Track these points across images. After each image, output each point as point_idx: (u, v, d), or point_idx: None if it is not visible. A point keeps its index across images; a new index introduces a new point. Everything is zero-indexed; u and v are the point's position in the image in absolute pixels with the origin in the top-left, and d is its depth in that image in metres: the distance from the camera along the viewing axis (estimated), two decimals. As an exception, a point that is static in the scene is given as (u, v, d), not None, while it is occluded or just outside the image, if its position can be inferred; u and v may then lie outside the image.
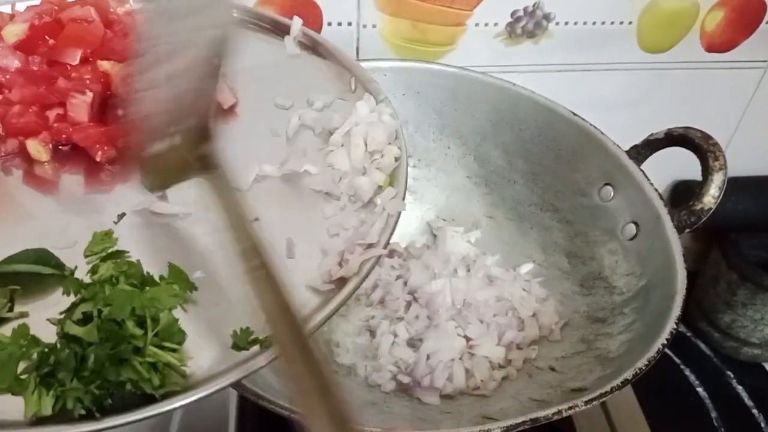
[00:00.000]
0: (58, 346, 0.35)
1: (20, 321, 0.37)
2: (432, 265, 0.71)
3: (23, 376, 0.35)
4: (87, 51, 0.51)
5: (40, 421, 0.34)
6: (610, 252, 0.65)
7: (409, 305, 0.69)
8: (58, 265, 0.41)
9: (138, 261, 0.41)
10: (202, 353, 0.38)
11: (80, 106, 0.49)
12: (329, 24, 0.73)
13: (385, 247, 0.44)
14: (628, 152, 0.65)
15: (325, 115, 0.53)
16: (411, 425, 0.57)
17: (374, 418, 0.57)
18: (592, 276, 0.67)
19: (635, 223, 0.63)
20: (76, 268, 0.41)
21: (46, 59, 0.51)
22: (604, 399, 0.47)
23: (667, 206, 0.60)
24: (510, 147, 0.73)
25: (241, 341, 0.38)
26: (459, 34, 0.77)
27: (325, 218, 0.47)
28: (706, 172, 0.59)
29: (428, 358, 0.63)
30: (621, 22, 0.78)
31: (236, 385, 0.40)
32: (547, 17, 0.76)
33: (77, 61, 0.50)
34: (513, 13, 0.76)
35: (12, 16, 0.53)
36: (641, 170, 0.63)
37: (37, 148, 0.49)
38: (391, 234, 0.45)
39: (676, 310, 0.52)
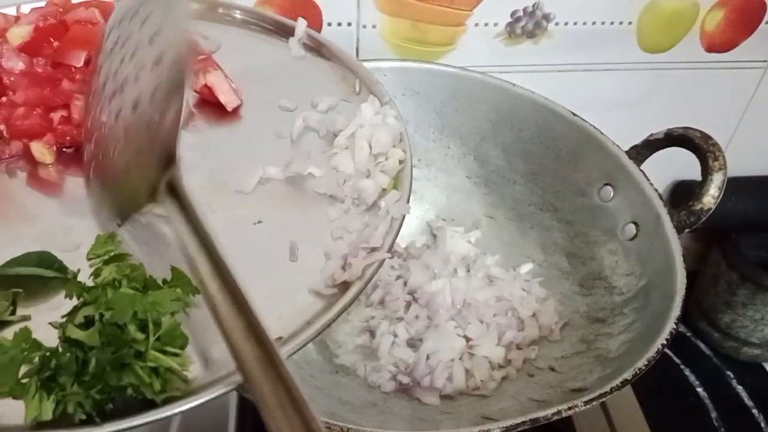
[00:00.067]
0: (60, 349, 0.35)
1: (22, 324, 0.37)
2: (432, 265, 0.71)
3: (24, 380, 0.34)
4: (91, 53, 0.51)
5: (40, 425, 0.34)
6: (610, 252, 0.65)
7: (409, 305, 0.69)
8: (61, 268, 0.40)
9: (141, 264, 0.40)
10: (204, 357, 0.38)
11: (84, 108, 0.49)
12: (329, 24, 0.73)
13: (388, 251, 0.44)
14: (628, 152, 0.65)
15: (330, 117, 0.53)
16: (411, 425, 0.57)
17: (374, 418, 0.57)
18: (592, 276, 0.67)
19: (635, 223, 0.63)
20: (79, 271, 0.41)
21: (50, 61, 0.50)
22: (603, 399, 0.47)
23: (667, 206, 0.60)
24: (510, 147, 0.73)
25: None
26: (459, 34, 0.76)
27: (329, 221, 0.47)
28: (706, 172, 0.60)
29: (428, 358, 0.63)
30: (621, 22, 0.78)
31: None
32: (546, 17, 0.76)
33: (82, 63, 0.50)
34: (513, 14, 0.75)
35: (17, 19, 0.53)
36: (641, 170, 0.63)
37: (41, 150, 0.49)
38: (395, 237, 0.45)
39: (676, 310, 0.52)
